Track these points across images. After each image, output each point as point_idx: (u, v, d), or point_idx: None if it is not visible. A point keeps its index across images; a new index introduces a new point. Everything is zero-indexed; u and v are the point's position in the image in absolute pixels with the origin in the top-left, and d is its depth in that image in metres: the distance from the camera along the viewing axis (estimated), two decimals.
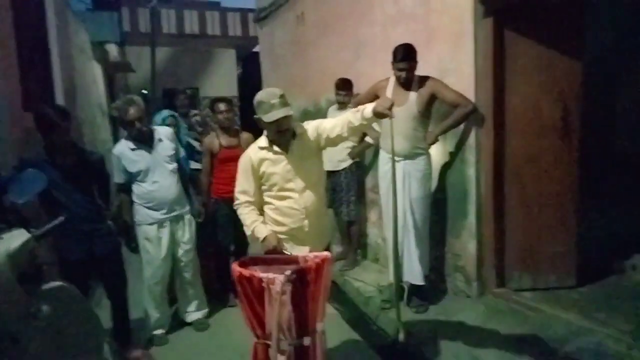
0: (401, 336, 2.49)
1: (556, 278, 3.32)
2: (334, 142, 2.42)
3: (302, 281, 2.02)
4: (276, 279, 1.93)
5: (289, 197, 2.40)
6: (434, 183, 3.51)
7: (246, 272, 2.02)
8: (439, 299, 3.53)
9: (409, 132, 3.22)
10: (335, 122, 2.39)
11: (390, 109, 2.21)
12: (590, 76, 3.36)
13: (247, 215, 2.47)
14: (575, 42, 3.13)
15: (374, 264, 4.43)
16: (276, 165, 2.38)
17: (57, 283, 1.76)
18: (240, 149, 3.76)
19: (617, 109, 4.91)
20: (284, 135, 2.33)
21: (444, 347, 2.91)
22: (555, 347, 2.66)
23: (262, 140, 2.42)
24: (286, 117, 2.25)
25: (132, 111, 3.02)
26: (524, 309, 3.13)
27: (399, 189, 3.31)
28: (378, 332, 3.40)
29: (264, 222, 2.45)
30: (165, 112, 4.74)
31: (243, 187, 2.48)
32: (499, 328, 2.98)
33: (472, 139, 3.28)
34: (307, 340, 2.06)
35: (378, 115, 2.22)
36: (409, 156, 3.26)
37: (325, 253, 2.18)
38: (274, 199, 2.44)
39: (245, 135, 3.87)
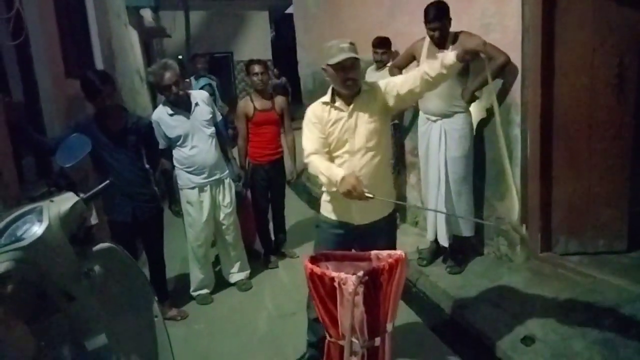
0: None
1: (605, 242, 3.19)
2: (404, 99, 2.22)
3: (375, 282, 1.92)
4: (348, 279, 1.83)
5: (341, 158, 2.27)
6: (477, 144, 3.39)
7: (318, 270, 1.94)
8: (480, 263, 3.48)
9: (444, 91, 3.10)
10: (405, 77, 2.20)
11: (484, 47, 2.04)
12: None
13: (319, 162, 2.21)
14: None
15: (412, 227, 4.39)
16: (335, 123, 2.24)
17: (107, 244, 1.81)
18: (274, 112, 3.79)
19: None
20: (350, 85, 2.17)
21: (487, 312, 2.88)
22: (605, 313, 2.58)
23: (327, 95, 2.30)
24: (354, 64, 2.13)
25: (168, 75, 3.02)
26: (571, 274, 3.04)
27: (435, 148, 3.25)
28: (418, 295, 3.39)
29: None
30: (204, 80, 4.76)
31: (308, 143, 2.29)
32: (544, 293, 2.91)
33: (517, 97, 3.13)
34: (377, 341, 1.99)
35: (466, 58, 2.03)
36: (446, 115, 3.18)
37: (399, 252, 2.04)
38: (331, 157, 2.29)
39: (279, 99, 3.84)
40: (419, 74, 2.12)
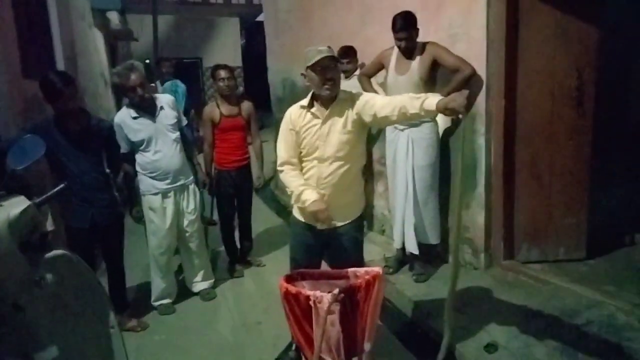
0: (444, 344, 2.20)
1: (565, 250, 3.28)
2: (379, 122, 2.24)
3: (352, 300, 1.89)
4: (324, 298, 1.80)
5: (310, 163, 2.31)
6: (443, 152, 3.44)
7: (293, 288, 1.91)
8: (445, 271, 3.50)
9: None
10: (387, 102, 2.18)
11: (467, 108, 1.92)
12: (606, 45, 3.23)
13: (292, 178, 2.32)
14: (594, 8, 2.99)
15: (379, 235, 4.40)
16: (309, 129, 2.29)
17: (60, 251, 1.72)
18: (241, 117, 3.76)
19: (631, 81, 4.77)
20: (330, 87, 2.19)
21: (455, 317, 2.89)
22: (565, 320, 2.63)
23: (305, 99, 2.33)
24: (333, 63, 2.17)
25: (134, 77, 2.94)
26: (532, 281, 3.10)
27: (403, 157, 3.28)
28: (383, 302, 3.37)
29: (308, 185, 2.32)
30: (177, 82, 4.67)
31: (282, 149, 2.36)
32: (507, 300, 2.95)
33: (482, 108, 3.18)
34: None
35: (445, 113, 1.96)
36: (413, 124, 3.22)
37: (377, 269, 2.02)
38: (304, 163, 2.36)
39: (246, 105, 3.80)
40: (399, 105, 2.10)
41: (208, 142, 3.73)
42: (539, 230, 3.26)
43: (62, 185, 1.79)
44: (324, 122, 2.26)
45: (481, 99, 3.17)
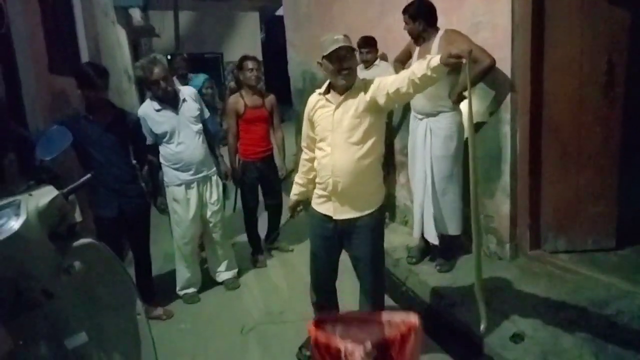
0: (482, 327, 2.12)
1: (594, 240, 3.19)
2: (393, 99, 2.15)
3: (385, 356, 1.81)
4: (356, 352, 1.73)
5: (324, 150, 2.30)
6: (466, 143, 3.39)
7: (323, 336, 1.85)
8: (469, 261, 3.45)
9: (430, 90, 3.08)
10: (396, 77, 2.16)
11: (468, 55, 1.86)
12: (637, 28, 3.12)
13: (300, 167, 2.52)
14: None
15: (402, 227, 4.37)
16: (323, 115, 2.28)
17: (88, 240, 1.76)
18: (264, 109, 3.78)
19: None
20: (347, 75, 2.18)
21: (475, 309, 2.83)
22: (595, 310, 2.57)
23: (323, 87, 2.34)
24: (349, 53, 2.15)
25: (157, 70, 2.99)
26: (560, 271, 3.04)
27: (420, 146, 3.24)
28: (408, 293, 3.37)
29: (304, 184, 2.50)
30: (202, 76, 4.74)
31: (304, 136, 2.46)
32: (533, 291, 2.90)
33: (507, 96, 3.12)
34: None
35: (450, 62, 1.88)
36: (431, 114, 3.18)
37: (413, 318, 1.92)
38: (317, 150, 2.37)
39: (269, 97, 3.82)
40: (408, 74, 2.07)
41: (232, 134, 3.75)
42: (566, 219, 3.18)
43: (88, 176, 1.82)
44: (337, 108, 2.23)
45: (506, 85, 3.10)
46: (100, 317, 1.81)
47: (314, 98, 2.36)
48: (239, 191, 3.95)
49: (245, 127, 3.73)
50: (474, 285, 3.08)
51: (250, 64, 3.65)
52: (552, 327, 2.54)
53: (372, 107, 2.21)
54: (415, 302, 3.25)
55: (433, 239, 3.32)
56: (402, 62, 3.60)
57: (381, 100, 2.17)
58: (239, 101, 3.69)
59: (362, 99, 2.20)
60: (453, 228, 3.33)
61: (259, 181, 3.83)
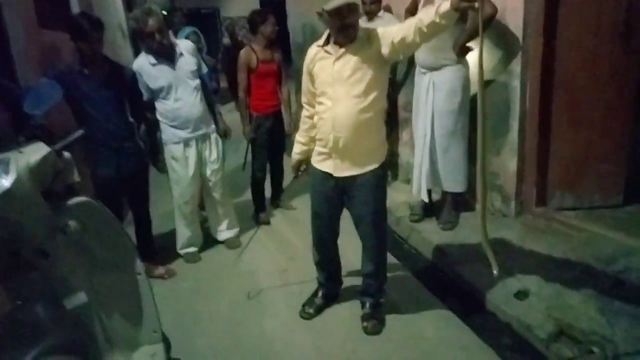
0: (495, 272, 2.00)
1: (601, 196, 3.14)
2: (397, 50, 2.02)
3: None
4: None
5: (324, 105, 2.19)
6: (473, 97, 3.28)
7: None
8: (473, 219, 3.41)
9: (433, 42, 2.94)
10: (401, 26, 2.03)
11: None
12: None
13: (301, 125, 2.42)
14: None
15: (404, 185, 4.30)
16: (323, 67, 2.17)
17: (83, 198, 1.69)
18: (275, 63, 3.72)
19: None
20: (347, 33, 2.06)
21: (480, 268, 2.82)
22: (601, 267, 2.54)
23: (322, 38, 2.20)
24: (352, 9, 2.00)
25: (152, 22, 2.84)
26: (566, 229, 3.00)
27: (423, 100, 3.14)
28: (410, 251, 3.35)
29: (306, 143, 2.41)
30: (188, 29, 4.56)
31: (304, 91, 2.35)
32: (539, 248, 2.87)
33: (518, 48, 2.98)
34: None
35: (461, 6, 1.73)
36: (434, 68, 3.06)
37: None
38: (317, 105, 2.26)
39: (278, 51, 3.76)
40: (414, 22, 1.94)
41: (243, 88, 3.65)
42: (574, 176, 3.12)
43: (80, 131, 1.74)
44: (337, 59, 2.10)
45: (518, 36, 2.96)
46: (99, 277, 1.77)
47: (313, 50, 2.24)
48: (249, 148, 3.85)
49: (258, 81, 3.64)
50: (478, 242, 3.07)
51: (272, 18, 3.59)
52: (557, 284, 2.52)
53: (375, 59, 2.08)
54: (418, 259, 3.24)
55: (425, 196, 3.28)
56: (412, 12, 3.41)
57: (385, 51, 2.04)
58: (252, 54, 3.58)
59: (365, 49, 2.08)
60: (456, 185, 3.26)
61: (269, 136, 3.78)
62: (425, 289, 2.84)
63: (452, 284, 2.87)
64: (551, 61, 2.95)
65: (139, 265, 1.87)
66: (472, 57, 3.07)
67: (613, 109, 2.96)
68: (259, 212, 3.94)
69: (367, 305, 2.50)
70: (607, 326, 2.17)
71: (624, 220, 2.99)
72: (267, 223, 3.89)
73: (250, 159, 3.86)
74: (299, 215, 3.90)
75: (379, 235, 2.40)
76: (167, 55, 3.00)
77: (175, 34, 4.20)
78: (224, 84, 8.20)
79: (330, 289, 2.67)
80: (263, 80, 3.65)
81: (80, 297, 1.69)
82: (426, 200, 3.28)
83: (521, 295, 2.53)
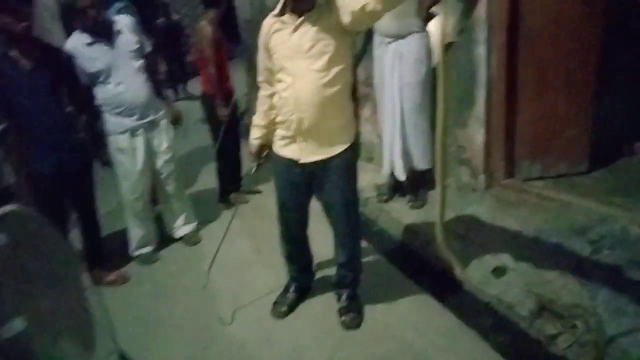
0: (459, 273, 1.99)
1: (567, 164, 3.10)
2: (358, 18, 1.80)
3: None
4: None
5: (283, 82, 1.97)
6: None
7: None
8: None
9: (396, 8, 2.79)
10: None
11: None
12: None
13: (258, 107, 2.20)
14: None
15: (367, 164, 4.16)
16: (280, 39, 1.93)
17: (10, 207, 1.42)
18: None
19: None
20: (299, 1, 1.85)
21: (454, 245, 2.74)
22: (576, 237, 2.49)
23: (277, 6, 1.95)
24: None
25: None
26: (536, 199, 2.94)
27: (389, 73, 2.97)
28: (381, 233, 3.23)
29: (266, 126, 2.19)
30: (119, 4, 4.15)
31: (260, 69, 2.11)
32: (511, 221, 2.80)
33: (482, 12, 2.85)
34: None
35: None
36: (400, 35, 2.87)
37: None
38: (276, 83, 2.03)
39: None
40: None
41: (213, 63, 3.37)
42: (541, 145, 3.05)
43: (2, 126, 1.46)
44: (294, 30, 1.88)
45: (482, 2, 2.82)
46: (38, 297, 1.52)
47: (268, 21, 1.99)
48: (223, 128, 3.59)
49: (222, 58, 3.45)
50: (449, 219, 2.99)
51: None
52: (533, 258, 2.45)
53: (337, 28, 1.86)
54: (389, 241, 3.12)
55: (401, 174, 3.14)
56: None
57: (346, 20, 1.82)
58: (217, 30, 3.37)
59: (325, 17, 1.86)
60: (424, 161, 3.15)
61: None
62: (400, 272, 2.74)
63: (426, 265, 2.77)
64: (515, 26, 2.84)
65: (86, 277, 1.63)
66: (432, 24, 2.93)
67: (576, 74, 2.90)
68: (226, 193, 3.78)
69: (344, 297, 2.36)
70: (588, 298, 2.12)
71: (591, 187, 2.96)
72: (245, 201, 3.75)
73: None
74: (266, 200, 3.67)
75: (352, 222, 2.23)
76: (103, 34, 2.68)
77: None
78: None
79: (302, 283, 2.51)
80: (224, 57, 3.50)
81: (17, 324, 1.44)
82: (403, 179, 3.13)
83: (499, 272, 2.46)
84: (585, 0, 2.74)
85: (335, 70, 1.91)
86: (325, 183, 2.10)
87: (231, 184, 3.83)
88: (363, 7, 1.73)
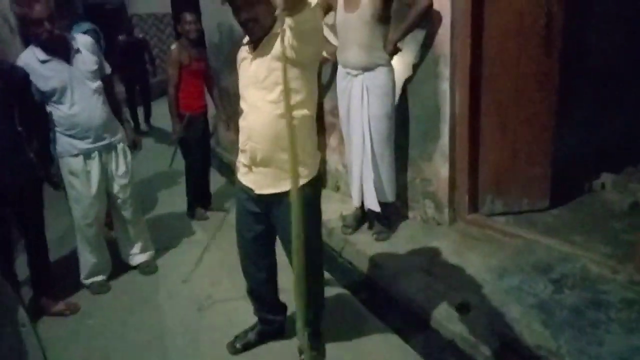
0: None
1: (529, 201, 3.16)
2: (298, 51, 1.66)
3: None
4: None
5: (245, 114, 1.89)
6: (401, 101, 3.17)
7: None
8: (406, 228, 3.31)
9: (364, 40, 2.81)
10: None
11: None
12: None
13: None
14: None
15: (334, 193, 4.13)
16: (244, 67, 1.87)
17: None
18: (205, 62, 3.78)
19: (591, 20, 4.52)
20: (250, 28, 1.76)
21: (418, 280, 2.71)
22: (539, 275, 2.50)
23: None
24: (246, 1, 1.69)
25: (38, 7, 2.35)
26: (499, 235, 2.97)
27: (357, 106, 2.96)
28: (345, 265, 3.16)
29: None
30: (86, 25, 4.06)
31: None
32: (476, 257, 2.80)
33: (446, 49, 2.90)
34: None
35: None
36: (368, 68, 2.87)
37: None
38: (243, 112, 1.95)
39: (204, 51, 3.91)
40: None
41: (173, 84, 3.58)
42: (503, 181, 3.10)
43: None
44: (252, 59, 1.81)
45: (445, 38, 2.88)
46: None
47: (240, 49, 1.94)
48: (177, 147, 3.82)
49: (190, 79, 3.61)
50: (414, 252, 2.96)
51: (188, 17, 3.53)
52: (498, 295, 2.44)
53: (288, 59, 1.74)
54: (353, 274, 3.06)
55: (374, 205, 3.08)
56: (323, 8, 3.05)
57: (289, 53, 1.66)
58: (183, 51, 3.55)
59: (278, 48, 1.73)
60: (390, 194, 3.14)
61: (201, 135, 3.80)
62: (363, 306, 2.66)
63: (390, 300, 2.71)
64: (479, 63, 2.91)
65: (22, 315, 1.49)
66: (396, 59, 2.96)
67: (537, 114, 2.98)
68: (193, 207, 3.93)
69: (306, 334, 2.25)
70: (551, 339, 2.11)
71: (552, 225, 3.01)
72: (206, 219, 3.91)
73: (181, 158, 3.84)
74: (232, 220, 3.56)
75: (308, 264, 2.10)
76: (60, 51, 2.55)
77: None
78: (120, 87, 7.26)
79: (268, 326, 2.34)
80: (194, 79, 3.65)
81: None
82: (378, 209, 3.07)
83: (463, 309, 2.43)
84: (545, 39, 2.84)
85: (293, 101, 1.77)
86: (280, 218, 1.97)
87: (198, 200, 3.97)
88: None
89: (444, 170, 3.10)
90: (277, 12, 1.39)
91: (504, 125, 3.01)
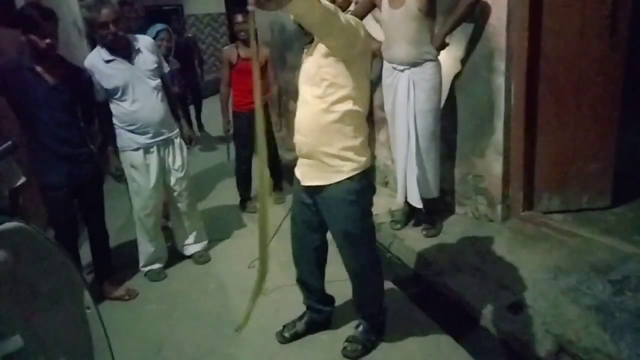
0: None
1: (589, 198, 3.02)
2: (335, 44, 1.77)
3: None
4: None
5: (297, 107, 1.99)
6: (451, 96, 3.11)
7: None
8: (457, 224, 3.24)
9: (411, 35, 2.78)
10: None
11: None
12: None
13: None
14: None
15: (382, 188, 4.11)
16: (302, 65, 1.97)
17: (13, 224, 1.39)
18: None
19: None
20: (304, 31, 1.82)
21: (469, 278, 2.66)
22: (598, 276, 2.39)
23: None
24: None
25: (106, 11, 2.56)
26: (556, 233, 2.85)
27: (403, 101, 2.93)
28: (394, 261, 3.14)
29: None
30: (159, 26, 4.29)
31: None
32: (530, 255, 2.71)
33: (502, 42, 2.81)
34: None
35: None
36: (416, 63, 2.84)
37: None
38: None
39: (264, 50, 3.88)
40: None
41: (224, 83, 3.87)
42: (561, 177, 2.98)
43: (8, 143, 1.45)
44: (307, 56, 1.92)
45: (501, 31, 2.79)
46: (38, 315, 1.48)
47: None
48: (230, 143, 4.08)
49: (239, 78, 3.80)
50: (464, 249, 2.88)
51: (239, 17, 3.65)
52: (552, 296, 2.36)
53: (330, 54, 1.80)
54: (401, 269, 3.04)
55: (417, 202, 3.04)
56: (360, 17, 2.82)
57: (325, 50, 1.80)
58: (233, 51, 3.78)
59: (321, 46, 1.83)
60: (434, 190, 3.09)
61: (250, 131, 3.79)
62: (411, 302, 2.64)
63: (440, 297, 2.68)
64: (536, 58, 2.80)
65: (88, 297, 1.59)
66: (444, 53, 2.90)
67: (599, 107, 2.84)
68: (245, 200, 4.05)
69: (360, 328, 2.27)
70: (610, 343, 2.01)
71: (614, 224, 2.86)
72: (254, 211, 3.86)
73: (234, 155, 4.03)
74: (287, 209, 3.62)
75: (358, 256, 2.09)
76: (122, 51, 2.71)
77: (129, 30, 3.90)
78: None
79: (316, 315, 2.36)
80: (241, 77, 3.76)
81: (15, 342, 1.40)
82: (420, 206, 3.04)
83: (515, 308, 2.36)
84: (609, 31, 2.69)
85: (333, 97, 1.84)
86: (324, 210, 2.02)
87: (245, 192, 4.09)
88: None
89: (497, 166, 3.01)
90: (249, 7, 1.44)
91: (563, 119, 2.89)
